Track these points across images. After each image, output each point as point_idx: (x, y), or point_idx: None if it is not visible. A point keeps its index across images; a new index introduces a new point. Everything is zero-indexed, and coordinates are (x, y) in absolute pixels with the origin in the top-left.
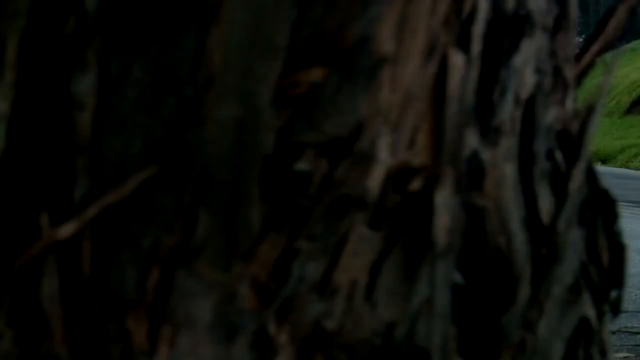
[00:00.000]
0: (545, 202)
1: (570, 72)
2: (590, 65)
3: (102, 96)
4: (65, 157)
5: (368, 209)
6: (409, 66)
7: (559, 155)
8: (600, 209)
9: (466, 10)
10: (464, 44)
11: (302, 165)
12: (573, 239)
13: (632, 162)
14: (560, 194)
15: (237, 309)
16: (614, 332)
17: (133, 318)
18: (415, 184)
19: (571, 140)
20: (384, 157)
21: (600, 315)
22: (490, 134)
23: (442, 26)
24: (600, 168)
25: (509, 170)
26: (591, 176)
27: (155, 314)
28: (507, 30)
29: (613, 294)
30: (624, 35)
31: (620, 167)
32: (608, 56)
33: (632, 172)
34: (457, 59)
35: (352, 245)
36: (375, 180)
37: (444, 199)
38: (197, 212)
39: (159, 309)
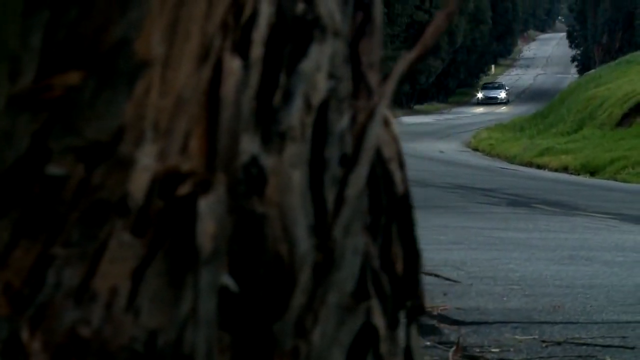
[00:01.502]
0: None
1: (375, 78)
2: (409, 70)
3: None
4: None
5: (131, 215)
6: (182, 70)
7: None
8: (396, 216)
9: (246, 14)
10: (245, 49)
11: (55, 170)
12: (353, 246)
13: (620, 174)
14: (337, 201)
15: None
16: (559, 343)
17: None
18: (183, 190)
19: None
20: (148, 162)
21: (395, 324)
22: (273, 139)
23: (219, 30)
24: (587, 180)
25: (297, 177)
26: (388, 182)
27: None
28: (293, 35)
29: (409, 302)
30: (622, 48)
31: (608, 179)
32: (604, 68)
33: (619, 184)
34: (232, 64)
35: (112, 251)
36: (137, 185)
37: (210, 205)
38: None
39: None
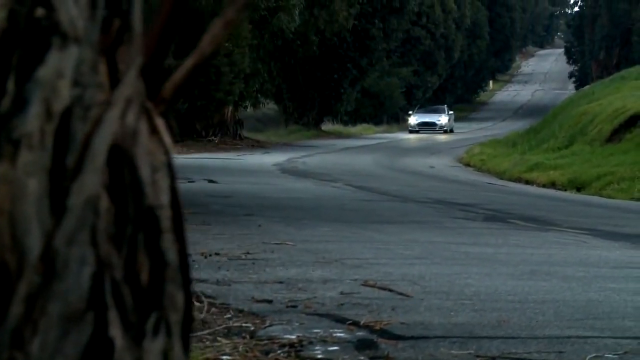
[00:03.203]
0: None
1: (132, 86)
2: (186, 79)
3: None
4: None
5: None
6: None
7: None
8: (144, 226)
9: None
10: None
11: None
12: (80, 256)
13: (606, 190)
14: (59, 210)
15: None
16: (494, 358)
17: None
18: None
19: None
20: None
21: (140, 336)
22: (4, 147)
23: None
24: (570, 195)
25: (32, 185)
26: (137, 192)
27: None
28: (27, 41)
29: (154, 314)
30: (619, 64)
31: (594, 195)
32: (598, 84)
33: (600, 200)
34: None
35: None
36: None
37: None
38: None
39: None
